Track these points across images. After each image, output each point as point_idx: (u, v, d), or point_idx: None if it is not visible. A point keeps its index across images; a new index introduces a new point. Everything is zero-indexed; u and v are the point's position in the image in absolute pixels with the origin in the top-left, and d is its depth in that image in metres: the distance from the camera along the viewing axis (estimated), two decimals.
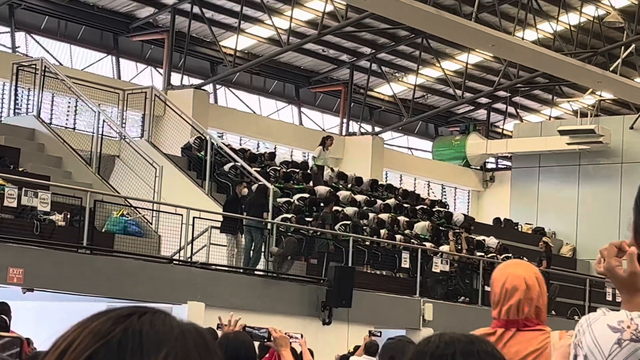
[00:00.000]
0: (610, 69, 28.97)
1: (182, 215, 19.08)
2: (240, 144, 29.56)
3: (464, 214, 31.31)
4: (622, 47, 29.95)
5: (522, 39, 27.76)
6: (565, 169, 35.17)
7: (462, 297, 24.29)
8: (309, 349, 10.36)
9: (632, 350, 2.25)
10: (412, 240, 25.30)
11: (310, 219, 23.29)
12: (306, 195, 24.92)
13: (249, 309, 17.60)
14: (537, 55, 27.00)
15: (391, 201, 27.97)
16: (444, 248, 25.46)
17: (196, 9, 28.56)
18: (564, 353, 2.87)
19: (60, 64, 27.52)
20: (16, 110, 23.34)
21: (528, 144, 35.43)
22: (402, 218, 26.80)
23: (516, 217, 35.17)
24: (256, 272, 20.21)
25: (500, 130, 38.59)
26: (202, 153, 23.86)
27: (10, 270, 15.70)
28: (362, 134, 33.82)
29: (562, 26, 30.09)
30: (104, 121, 22.63)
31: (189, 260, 19.10)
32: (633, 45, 30.16)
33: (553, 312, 24.23)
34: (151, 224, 20.17)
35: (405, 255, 23.33)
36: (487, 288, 25.18)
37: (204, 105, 28.50)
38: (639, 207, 2.48)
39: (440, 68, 32.92)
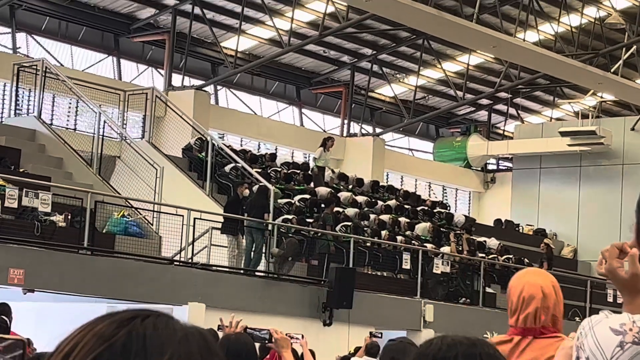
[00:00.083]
0: (612, 70, 28.97)
1: (182, 216, 19.08)
2: (241, 145, 29.56)
3: (465, 215, 31.30)
4: (624, 49, 29.96)
5: (523, 40, 27.78)
6: (566, 170, 35.17)
7: (463, 299, 24.28)
8: (310, 350, 10.37)
9: (635, 353, 2.25)
10: (413, 242, 25.30)
11: (311, 220, 23.29)
12: (307, 196, 24.92)
13: (249, 310, 17.61)
14: (538, 57, 27.00)
15: (392, 202, 27.97)
16: (445, 249, 25.46)
17: (197, 10, 28.57)
18: (566, 355, 2.87)
19: (61, 64, 27.52)
20: (17, 111, 23.33)
21: (529, 145, 35.43)
22: (403, 219, 26.80)
23: (517, 219, 35.18)
24: (257, 273, 20.21)
25: (501, 132, 38.59)
26: (203, 154, 23.86)
27: (11, 271, 15.70)
28: (363, 135, 33.83)
29: (563, 27, 30.09)
30: (104, 122, 22.63)
31: (190, 261, 19.10)
32: (634, 47, 30.17)
33: None
34: (152, 225, 20.16)
35: (406, 256, 23.33)
36: (488, 289, 25.22)
37: (205, 106, 28.51)
38: None
39: (441, 69, 32.93)
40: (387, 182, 32.04)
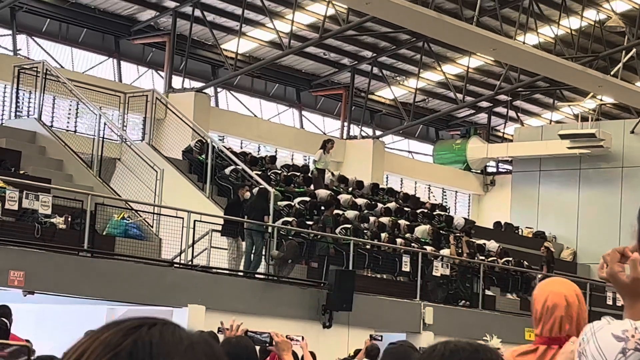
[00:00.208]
0: (611, 73, 28.97)
1: (182, 218, 19.07)
2: (241, 147, 29.55)
3: (465, 218, 31.31)
4: (623, 52, 29.96)
5: (523, 43, 27.79)
6: (566, 173, 35.18)
7: (463, 301, 24.28)
8: (311, 352, 10.36)
9: None
10: (412, 244, 25.29)
11: (311, 223, 23.29)
12: (307, 198, 24.91)
13: (249, 312, 17.61)
14: (538, 59, 27.01)
15: (392, 205, 27.99)
16: (445, 252, 25.45)
17: (197, 12, 28.58)
18: (568, 359, 2.87)
19: (62, 66, 27.52)
20: (17, 113, 23.33)
21: (529, 147, 35.44)
22: (402, 222, 26.80)
23: (517, 221, 35.19)
24: (257, 276, 20.20)
25: (501, 134, 38.59)
26: (203, 156, 23.87)
27: (11, 273, 15.71)
28: (363, 137, 33.83)
29: (563, 30, 30.10)
30: (105, 124, 22.63)
31: (190, 263, 19.10)
32: (634, 50, 30.16)
33: None
34: (152, 227, 20.16)
35: (406, 258, 23.33)
36: (487, 292, 25.22)
37: (205, 108, 28.51)
38: None
39: (441, 72, 32.94)
40: (386, 185, 32.04)
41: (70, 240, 17.42)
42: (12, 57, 26.06)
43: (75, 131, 24.88)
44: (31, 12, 27.33)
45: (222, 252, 20.06)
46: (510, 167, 37.94)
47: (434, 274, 23.47)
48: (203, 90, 29.05)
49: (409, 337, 20.38)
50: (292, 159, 30.96)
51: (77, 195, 18.46)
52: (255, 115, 32.33)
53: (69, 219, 17.70)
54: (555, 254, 31.72)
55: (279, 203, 23.25)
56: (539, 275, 26.36)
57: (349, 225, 24.00)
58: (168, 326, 1.44)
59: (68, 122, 25.36)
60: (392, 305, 21.84)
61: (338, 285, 20.08)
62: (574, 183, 35.08)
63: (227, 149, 25.05)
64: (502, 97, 35.41)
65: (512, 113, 37.31)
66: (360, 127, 33.94)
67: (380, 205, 27.55)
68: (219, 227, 20.14)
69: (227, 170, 23.88)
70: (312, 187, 26.08)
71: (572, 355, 2.51)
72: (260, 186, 22.29)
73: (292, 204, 24.02)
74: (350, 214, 25.18)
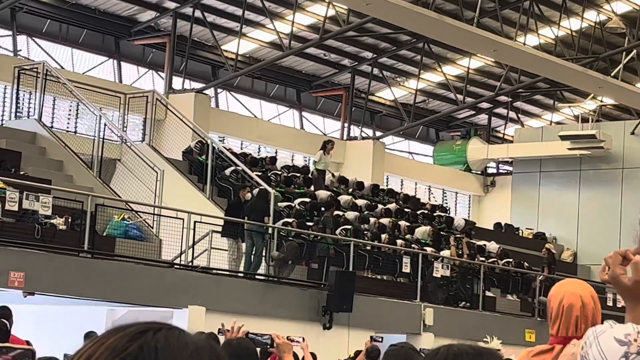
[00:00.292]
0: (612, 74, 28.97)
1: (183, 219, 19.07)
2: (242, 148, 29.54)
3: (465, 219, 31.30)
4: (624, 53, 29.96)
5: (524, 44, 27.79)
6: (566, 174, 35.18)
7: (463, 302, 24.28)
8: (311, 353, 10.37)
9: None
10: (412, 245, 25.29)
11: (311, 224, 23.29)
12: (307, 199, 24.91)
13: (249, 313, 17.62)
14: (539, 61, 27.01)
15: (392, 206, 27.98)
16: (445, 253, 25.45)
17: (198, 13, 28.59)
18: None
19: (62, 67, 27.53)
20: (17, 114, 23.33)
21: (529, 149, 35.44)
22: (403, 223, 26.80)
23: (517, 222, 35.19)
24: (257, 277, 20.21)
25: (501, 135, 38.60)
26: (203, 157, 23.87)
27: (11, 274, 15.71)
28: (363, 138, 33.84)
29: (564, 31, 30.09)
30: (105, 125, 22.63)
31: (190, 264, 19.10)
32: (634, 51, 30.16)
33: None
34: (152, 228, 20.16)
35: (406, 260, 23.33)
36: (487, 293, 25.22)
37: (205, 109, 28.51)
38: None
39: (441, 73, 32.94)
40: (387, 186, 32.05)
41: (71, 241, 17.42)
42: (12, 58, 26.07)
43: (75, 132, 24.88)
44: (31, 13, 27.33)
45: (223, 253, 20.05)
46: (510, 168, 37.95)
47: (434, 275, 23.48)
48: (203, 91, 29.06)
49: (409, 338, 20.39)
50: (292, 160, 30.96)
51: (77, 196, 18.46)
52: (255, 116, 32.33)
53: (69, 220, 17.70)
54: (556, 256, 31.73)
55: (279, 204, 23.25)
56: (540, 277, 26.37)
57: (349, 226, 24.00)
58: (173, 331, 1.44)
59: (68, 123, 25.36)
60: (393, 307, 21.84)
61: (338, 287, 20.08)
62: (575, 184, 35.09)
63: (228, 149, 25.05)
64: (503, 98, 35.41)
65: (512, 114, 37.32)
66: (360, 128, 33.95)
67: (380, 206, 27.55)
68: (219, 228, 20.14)
69: (227, 171, 23.88)
70: (312, 188, 26.08)
71: (572, 357, 2.51)
72: (261, 187, 22.29)
73: (293, 205, 24.02)
74: (351, 215, 25.18)
